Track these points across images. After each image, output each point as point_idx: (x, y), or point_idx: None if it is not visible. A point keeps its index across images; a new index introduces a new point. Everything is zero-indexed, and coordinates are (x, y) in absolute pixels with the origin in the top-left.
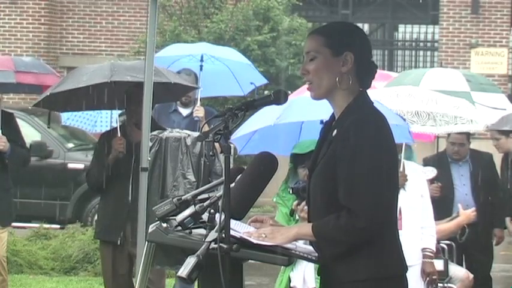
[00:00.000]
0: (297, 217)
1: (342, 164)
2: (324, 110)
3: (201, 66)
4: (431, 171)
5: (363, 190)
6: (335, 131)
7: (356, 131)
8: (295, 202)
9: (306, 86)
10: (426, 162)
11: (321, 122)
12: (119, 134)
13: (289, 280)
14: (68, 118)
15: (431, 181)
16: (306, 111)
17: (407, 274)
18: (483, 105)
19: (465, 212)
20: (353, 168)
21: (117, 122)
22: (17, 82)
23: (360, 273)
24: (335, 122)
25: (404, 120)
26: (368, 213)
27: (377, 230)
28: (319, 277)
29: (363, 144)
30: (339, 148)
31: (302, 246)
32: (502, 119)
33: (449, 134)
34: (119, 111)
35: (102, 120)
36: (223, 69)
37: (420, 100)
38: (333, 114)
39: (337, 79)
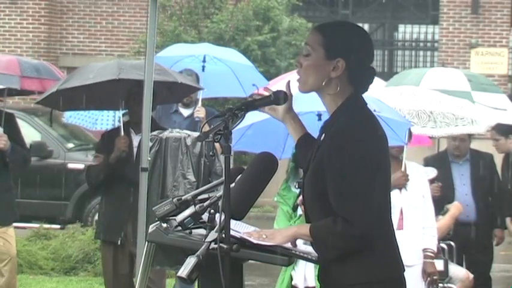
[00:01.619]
0: (300, 212)
1: (330, 171)
2: None
3: (203, 67)
4: (432, 171)
5: (355, 199)
6: (323, 135)
7: (341, 137)
8: (301, 197)
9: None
10: (427, 162)
11: (318, 116)
12: (122, 133)
13: (291, 278)
14: (70, 116)
15: (431, 181)
16: (316, 101)
17: (407, 274)
18: (484, 105)
19: (453, 205)
20: (341, 177)
21: (120, 121)
22: (22, 88)
23: (358, 276)
24: (324, 125)
25: None
26: (363, 222)
27: (371, 235)
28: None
29: (349, 151)
30: (325, 154)
31: (302, 246)
32: None
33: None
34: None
35: (103, 118)
36: (225, 70)
37: (424, 99)
38: None
39: (323, 83)
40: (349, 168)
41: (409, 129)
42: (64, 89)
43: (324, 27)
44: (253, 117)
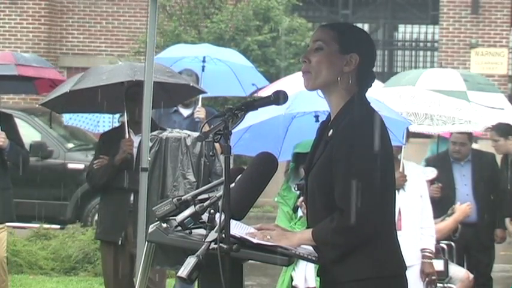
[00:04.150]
0: (300, 214)
1: (337, 165)
2: None
3: (203, 67)
4: (432, 172)
5: (355, 190)
6: (331, 131)
7: (351, 132)
8: (301, 199)
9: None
10: (428, 163)
11: (316, 117)
12: (127, 135)
13: (291, 279)
14: (71, 118)
15: (431, 182)
16: (316, 102)
17: (406, 275)
18: (479, 105)
19: (461, 208)
20: (347, 169)
21: (119, 122)
22: (19, 74)
23: (359, 272)
24: (331, 121)
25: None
26: (357, 212)
27: (370, 230)
28: (318, 277)
29: (357, 145)
30: (334, 149)
31: (302, 246)
32: None
33: (451, 134)
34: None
35: (104, 121)
36: (225, 69)
37: (423, 102)
38: (329, 114)
39: (338, 78)
40: (354, 161)
41: (407, 129)
42: (76, 90)
43: (333, 25)
44: (250, 119)
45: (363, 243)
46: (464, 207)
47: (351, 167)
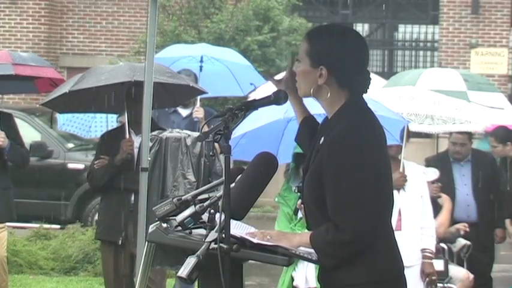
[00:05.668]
0: (300, 215)
1: (328, 178)
2: None
3: (201, 67)
4: (434, 173)
5: (348, 205)
6: (322, 139)
7: (339, 146)
8: (300, 201)
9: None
10: (428, 163)
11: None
12: (127, 135)
13: (292, 279)
14: (64, 123)
15: (432, 182)
16: (313, 104)
17: (406, 275)
18: (479, 104)
19: (443, 198)
20: (338, 183)
21: (117, 122)
22: (16, 74)
23: (356, 277)
24: (323, 128)
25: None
26: (353, 228)
27: (365, 243)
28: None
29: (345, 161)
30: (323, 163)
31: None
32: None
33: (451, 134)
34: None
35: (96, 125)
36: (223, 69)
37: (422, 103)
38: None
39: (311, 90)
40: (344, 176)
41: (407, 128)
42: (76, 90)
43: (310, 35)
44: (246, 125)
45: (354, 253)
46: (444, 196)
47: (340, 181)
